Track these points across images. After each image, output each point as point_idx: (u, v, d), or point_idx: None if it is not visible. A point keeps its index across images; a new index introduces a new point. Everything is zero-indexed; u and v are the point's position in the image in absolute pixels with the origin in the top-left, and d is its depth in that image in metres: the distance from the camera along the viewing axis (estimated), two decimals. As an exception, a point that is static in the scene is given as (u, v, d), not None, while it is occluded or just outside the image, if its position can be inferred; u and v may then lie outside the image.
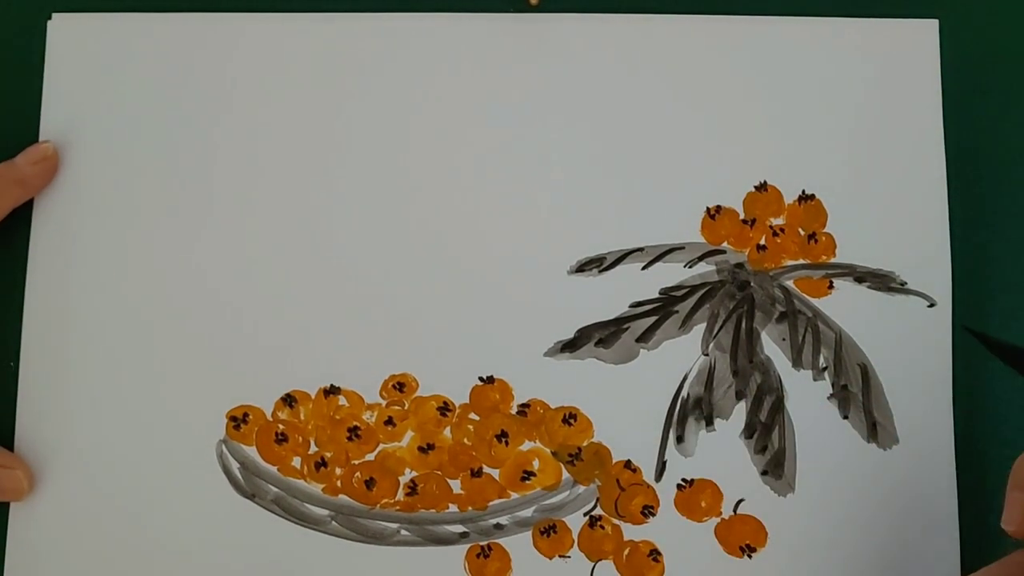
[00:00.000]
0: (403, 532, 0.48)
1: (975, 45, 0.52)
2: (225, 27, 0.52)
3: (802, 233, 0.50)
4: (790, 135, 0.51)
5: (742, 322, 0.50)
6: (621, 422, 0.49)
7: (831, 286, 0.50)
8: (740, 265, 0.50)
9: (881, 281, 0.50)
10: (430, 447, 0.49)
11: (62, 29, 0.52)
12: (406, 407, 0.49)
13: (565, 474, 0.49)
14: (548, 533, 0.48)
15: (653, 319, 0.50)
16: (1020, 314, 0.50)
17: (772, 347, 0.50)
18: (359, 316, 0.50)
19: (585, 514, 0.49)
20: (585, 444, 0.49)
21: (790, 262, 0.50)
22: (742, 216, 0.51)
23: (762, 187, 0.51)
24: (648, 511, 0.48)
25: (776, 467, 0.49)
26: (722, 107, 0.51)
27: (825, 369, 0.49)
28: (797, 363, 0.49)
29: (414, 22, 0.52)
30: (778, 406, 0.49)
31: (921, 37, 0.52)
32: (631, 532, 0.48)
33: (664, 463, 0.49)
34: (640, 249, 0.50)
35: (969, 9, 0.52)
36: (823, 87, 0.51)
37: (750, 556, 0.48)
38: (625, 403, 0.49)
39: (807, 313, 0.50)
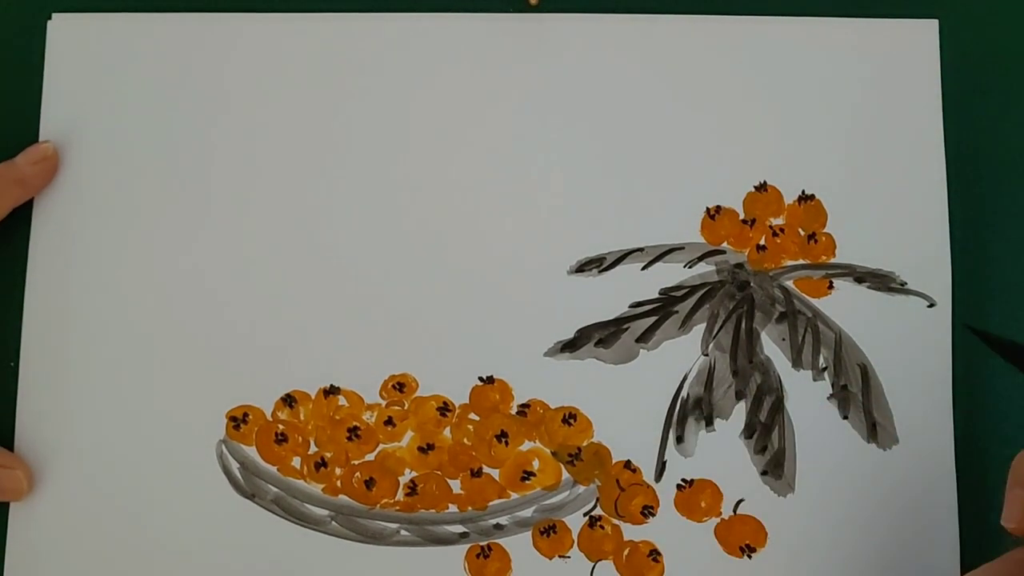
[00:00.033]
0: (403, 532, 0.48)
1: (975, 45, 0.52)
2: (225, 27, 0.52)
3: (802, 233, 0.50)
4: (790, 135, 0.51)
5: (742, 322, 0.50)
6: (621, 422, 0.49)
7: (831, 286, 0.50)
8: (740, 265, 0.50)
9: (881, 281, 0.50)
10: (430, 447, 0.49)
11: (62, 29, 0.52)
12: (406, 407, 0.49)
13: (565, 474, 0.49)
14: (548, 533, 0.48)
15: (653, 319, 0.50)
16: (1020, 314, 0.50)
17: (772, 347, 0.50)
18: (359, 316, 0.50)
19: (585, 514, 0.49)
20: (585, 444, 0.49)
21: (790, 262, 0.50)
22: (742, 216, 0.51)
23: (762, 187, 0.51)
24: (648, 511, 0.48)
25: (776, 467, 0.49)
26: (722, 107, 0.51)
27: (825, 369, 0.49)
28: (797, 363, 0.49)
29: (414, 22, 0.52)
30: (778, 406, 0.49)
31: (921, 37, 0.52)
32: (631, 532, 0.48)
33: (664, 463, 0.49)
34: (640, 249, 0.50)
35: (969, 9, 0.52)
36: (823, 87, 0.51)
37: (750, 556, 0.48)
38: (625, 403, 0.49)
39: (807, 313, 0.50)
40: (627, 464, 0.49)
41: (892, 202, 0.50)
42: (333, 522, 0.48)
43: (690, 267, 0.50)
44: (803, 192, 0.51)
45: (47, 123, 0.51)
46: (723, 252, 0.50)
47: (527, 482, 0.49)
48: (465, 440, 0.49)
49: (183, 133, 0.51)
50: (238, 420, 0.49)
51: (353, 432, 0.49)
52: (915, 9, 0.52)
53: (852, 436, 0.49)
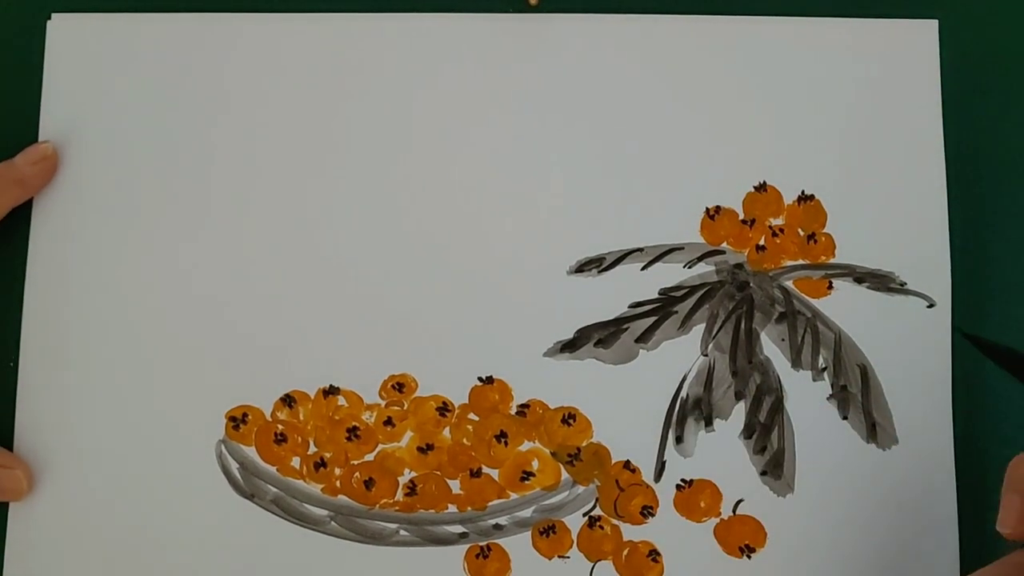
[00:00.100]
0: (402, 532, 0.48)
1: (975, 45, 0.52)
2: (224, 27, 0.52)
3: (801, 233, 0.50)
4: (789, 135, 0.51)
5: (741, 322, 0.50)
6: (620, 422, 0.49)
7: (830, 286, 0.50)
8: (739, 265, 0.50)
9: (881, 281, 0.50)
10: (429, 447, 0.49)
11: (62, 29, 0.52)
12: (405, 407, 0.49)
13: (564, 474, 0.49)
14: (547, 533, 0.48)
15: (652, 319, 0.50)
16: (1020, 314, 0.50)
17: (771, 347, 0.50)
18: (358, 316, 0.50)
19: (584, 514, 0.49)
20: (584, 444, 0.49)
21: (789, 262, 0.50)
22: (741, 216, 0.51)
23: (761, 187, 0.51)
24: (647, 511, 0.48)
25: (775, 467, 0.49)
26: (721, 107, 0.51)
27: (824, 369, 0.49)
28: (796, 363, 0.49)
29: (414, 22, 0.52)
30: (777, 406, 0.49)
31: (921, 37, 0.52)
32: (630, 532, 0.48)
33: (663, 463, 0.49)
34: (640, 249, 0.50)
35: (969, 9, 0.52)
36: (823, 87, 0.51)
37: (749, 556, 0.48)
38: (624, 403, 0.49)
39: (806, 313, 0.50)
40: (626, 464, 0.49)
41: (892, 202, 0.50)
42: (332, 522, 0.48)
43: (690, 267, 0.50)
44: (803, 192, 0.51)
45: (47, 123, 0.51)
46: (723, 252, 0.50)
47: (526, 482, 0.49)
48: (464, 440, 0.49)
49: (183, 133, 0.51)
50: (237, 420, 0.49)
51: (352, 432, 0.49)
52: (915, 9, 0.52)
53: (852, 436, 0.49)
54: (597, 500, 0.49)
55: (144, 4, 0.52)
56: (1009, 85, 0.52)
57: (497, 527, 0.48)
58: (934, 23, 0.52)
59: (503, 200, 0.51)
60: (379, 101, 0.51)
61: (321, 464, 0.49)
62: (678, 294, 0.50)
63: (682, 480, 0.49)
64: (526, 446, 0.49)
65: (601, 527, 0.48)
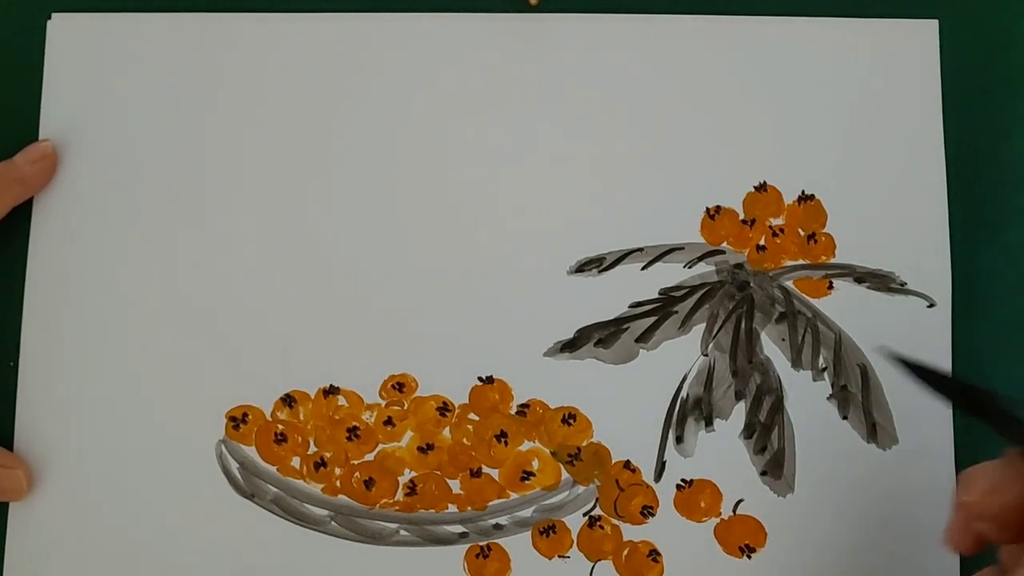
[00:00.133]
0: (402, 532, 0.48)
1: (975, 45, 0.52)
2: (225, 27, 0.52)
3: (802, 233, 0.50)
4: (790, 135, 0.51)
5: (741, 322, 0.50)
6: (620, 422, 0.49)
7: (831, 286, 0.50)
8: (740, 265, 0.50)
9: (881, 281, 0.50)
10: (429, 447, 0.49)
11: (62, 29, 0.52)
12: (405, 407, 0.49)
13: (564, 474, 0.49)
14: (547, 533, 0.48)
15: (653, 319, 0.50)
16: (1020, 314, 0.50)
17: (772, 347, 0.50)
18: (359, 316, 0.50)
19: (584, 514, 0.49)
20: (584, 444, 0.49)
21: (790, 262, 0.50)
22: (742, 216, 0.51)
23: (762, 187, 0.51)
24: (647, 511, 0.48)
25: (775, 467, 0.49)
26: (722, 107, 0.51)
27: (825, 369, 0.49)
28: (796, 363, 0.49)
29: (414, 22, 0.52)
30: (777, 406, 0.49)
31: (921, 37, 0.52)
32: (630, 532, 0.48)
33: (663, 463, 0.49)
34: (640, 249, 0.50)
35: (969, 9, 0.52)
36: (823, 87, 0.51)
37: (749, 556, 0.48)
38: (625, 403, 0.49)
39: (807, 313, 0.50)
40: (627, 464, 0.49)
41: (892, 202, 0.50)
42: (333, 522, 0.48)
43: (690, 267, 0.50)
44: (803, 192, 0.51)
45: (47, 123, 0.51)
46: (723, 252, 0.50)
47: (527, 482, 0.49)
48: (465, 440, 0.49)
49: (183, 133, 0.51)
50: (237, 420, 0.49)
51: (353, 432, 0.49)
52: (915, 9, 0.52)
53: (852, 436, 0.49)
54: (597, 500, 0.49)
55: (144, 4, 0.52)
56: (1009, 85, 0.52)
57: (497, 527, 0.48)
58: (934, 23, 0.52)
59: (503, 200, 0.51)
60: (379, 101, 0.51)
61: (321, 464, 0.49)
62: (678, 294, 0.50)
63: (682, 480, 0.49)
64: (526, 446, 0.49)
65: (601, 527, 0.48)
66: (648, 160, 0.51)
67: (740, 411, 0.49)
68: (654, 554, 0.48)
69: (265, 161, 0.51)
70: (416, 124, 0.51)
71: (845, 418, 0.49)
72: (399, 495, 0.49)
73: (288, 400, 0.49)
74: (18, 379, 0.49)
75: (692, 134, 0.51)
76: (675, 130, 0.51)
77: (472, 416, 0.49)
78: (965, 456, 0.49)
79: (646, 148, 0.51)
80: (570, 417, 0.49)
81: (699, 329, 0.50)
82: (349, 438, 0.49)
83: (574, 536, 0.48)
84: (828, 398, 0.49)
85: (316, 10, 0.52)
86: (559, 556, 0.48)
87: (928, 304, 0.50)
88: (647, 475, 0.49)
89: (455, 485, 0.49)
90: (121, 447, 0.49)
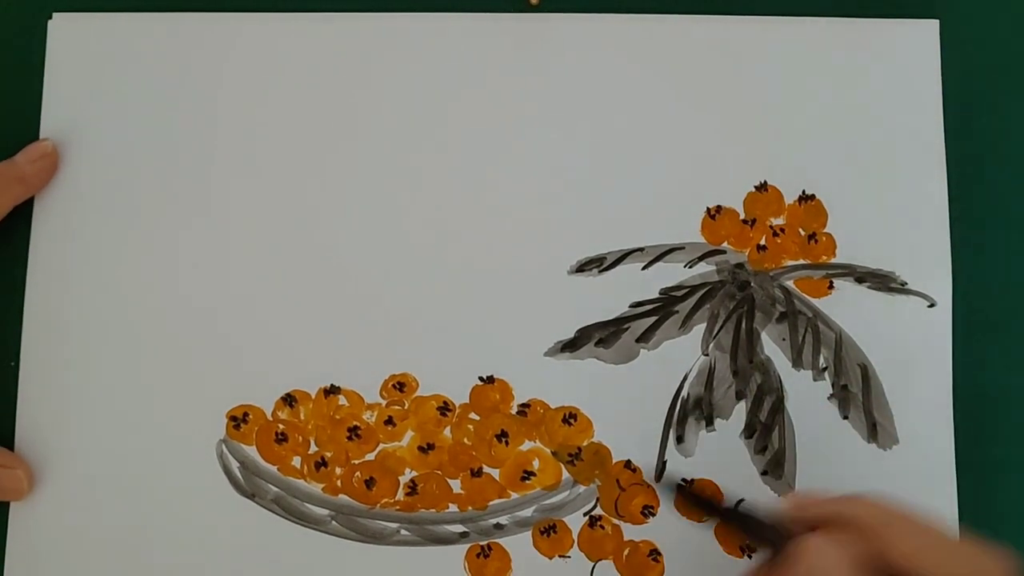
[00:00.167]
0: (403, 532, 0.48)
1: (975, 45, 0.52)
2: (224, 27, 0.52)
3: (802, 233, 0.50)
4: (790, 135, 0.51)
5: (742, 322, 0.50)
6: (621, 422, 0.49)
7: (831, 286, 0.50)
8: (740, 265, 0.50)
9: (881, 281, 0.50)
10: (430, 447, 0.49)
11: (62, 29, 0.52)
12: (406, 407, 0.49)
13: (565, 474, 0.49)
14: (548, 533, 0.48)
15: (653, 319, 0.50)
16: (1020, 314, 0.50)
17: (772, 347, 0.50)
18: (359, 316, 0.50)
19: (585, 514, 0.49)
20: (585, 444, 0.49)
21: (790, 262, 0.50)
22: (742, 216, 0.51)
23: (762, 187, 0.51)
24: (648, 511, 0.48)
25: (776, 467, 0.49)
26: (722, 107, 0.51)
27: (825, 369, 0.49)
28: (797, 363, 0.49)
29: (414, 22, 0.52)
30: (778, 406, 0.49)
31: (921, 37, 0.52)
32: (631, 532, 0.48)
33: (664, 463, 0.49)
34: (640, 249, 0.50)
35: (969, 9, 0.52)
36: (823, 87, 0.51)
37: (750, 556, 0.48)
38: (625, 403, 0.49)
39: (807, 313, 0.50)
40: (627, 464, 0.49)
41: (892, 202, 0.50)
42: (333, 522, 0.48)
43: (690, 267, 0.50)
44: (803, 192, 0.51)
45: (47, 123, 0.51)
46: (723, 252, 0.50)
47: (527, 482, 0.49)
48: (465, 440, 0.49)
49: (183, 133, 0.51)
50: (238, 420, 0.49)
51: (353, 432, 0.49)
52: (915, 9, 0.52)
53: (852, 436, 0.49)
54: (598, 500, 0.49)
55: (144, 4, 0.52)
56: (1009, 85, 0.52)
57: (498, 527, 0.48)
58: (934, 23, 0.52)
59: (504, 200, 0.51)
60: (379, 101, 0.51)
61: (322, 463, 0.49)
62: (679, 294, 0.50)
63: (683, 480, 0.49)
64: (527, 446, 0.49)
65: (602, 527, 0.48)
66: (648, 160, 0.51)
67: (741, 411, 0.49)
68: (655, 554, 0.48)
69: (265, 161, 0.51)
70: (415, 124, 0.51)
71: (846, 418, 0.49)
72: (400, 495, 0.49)
73: (289, 400, 0.49)
74: (19, 379, 0.49)
75: (692, 134, 0.51)
76: (675, 130, 0.51)
77: (473, 416, 0.49)
78: (965, 455, 0.49)
79: (646, 148, 0.51)
80: (571, 417, 0.49)
81: (700, 329, 0.50)
82: (350, 438, 0.49)
83: (575, 536, 0.48)
84: (828, 398, 0.49)
85: (316, 10, 0.52)
86: (560, 556, 0.48)
87: (928, 304, 0.50)
88: (648, 475, 0.49)
89: (456, 485, 0.49)
90: (121, 447, 0.49)
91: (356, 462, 0.49)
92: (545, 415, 0.49)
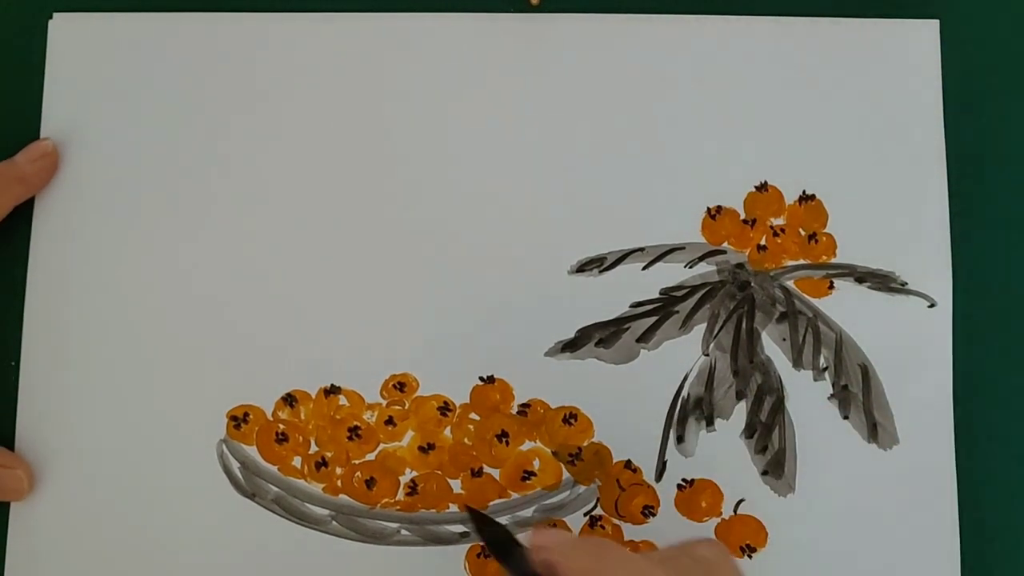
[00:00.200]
0: (403, 532, 0.48)
1: (975, 45, 0.52)
2: (224, 27, 0.52)
3: (803, 233, 0.50)
4: (790, 135, 0.51)
5: (742, 322, 0.50)
6: (621, 422, 0.49)
7: (831, 286, 0.50)
8: (740, 265, 0.50)
9: (881, 281, 0.50)
10: (430, 447, 0.49)
11: (63, 29, 0.52)
12: (406, 407, 0.49)
13: (565, 474, 0.49)
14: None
15: (653, 319, 0.50)
16: (1020, 314, 0.50)
17: (772, 347, 0.50)
18: (360, 316, 0.50)
19: (585, 514, 0.49)
20: (585, 444, 0.49)
21: (791, 262, 0.50)
22: (743, 216, 0.51)
23: (763, 187, 0.51)
24: (648, 511, 0.48)
25: (776, 467, 0.49)
26: (722, 107, 0.51)
27: (825, 369, 0.49)
28: (797, 363, 0.49)
29: (414, 22, 0.52)
30: (778, 406, 0.49)
31: (921, 37, 0.52)
32: (631, 532, 0.48)
33: (664, 463, 0.49)
34: (640, 249, 0.50)
35: (969, 9, 0.52)
36: (823, 87, 0.51)
37: (750, 556, 0.48)
38: (625, 403, 0.49)
39: (807, 313, 0.50)
40: (627, 464, 0.49)
41: (892, 202, 0.50)
42: (334, 522, 0.48)
43: (691, 267, 0.50)
44: (804, 192, 0.51)
45: (48, 123, 0.51)
46: (724, 252, 0.50)
47: (527, 482, 0.49)
48: (466, 440, 0.49)
49: (183, 132, 0.51)
50: (239, 420, 0.49)
51: (354, 432, 0.49)
52: (915, 9, 0.52)
53: (852, 436, 0.49)
54: (598, 500, 0.49)
55: (145, 4, 0.52)
56: (1009, 85, 0.52)
57: (498, 527, 0.48)
58: (934, 23, 0.52)
59: (504, 200, 0.51)
60: (379, 101, 0.51)
61: (322, 463, 0.49)
62: (679, 294, 0.50)
63: (683, 480, 0.49)
64: (527, 446, 0.49)
65: (602, 527, 0.48)
66: (649, 160, 0.51)
67: (741, 411, 0.49)
68: (655, 554, 0.48)
69: (265, 161, 0.51)
70: (416, 124, 0.51)
71: (846, 418, 0.49)
72: (400, 495, 0.49)
73: (289, 399, 0.49)
74: (19, 379, 0.49)
75: (693, 134, 0.51)
76: (676, 130, 0.51)
77: (473, 416, 0.49)
78: (965, 455, 0.49)
79: (647, 148, 0.51)
80: (571, 417, 0.49)
81: (700, 329, 0.50)
82: (350, 438, 0.49)
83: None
84: (829, 398, 0.49)
85: (316, 10, 0.52)
86: (560, 556, 0.48)
87: (928, 304, 0.50)
88: (648, 475, 0.49)
89: (456, 485, 0.49)
90: (122, 447, 0.49)
91: (356, 462, 0.49)
92: (545, 415, 0.49)
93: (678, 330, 0.50)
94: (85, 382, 0.49)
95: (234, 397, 0.49)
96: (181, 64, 0.52)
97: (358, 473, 0.49)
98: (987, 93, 0.52)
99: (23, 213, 0.50)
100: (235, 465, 0.49)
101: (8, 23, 0.52)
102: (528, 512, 0.48)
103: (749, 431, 0.49)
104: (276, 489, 0.49)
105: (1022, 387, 0.50)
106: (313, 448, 0.49)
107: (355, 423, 0.49)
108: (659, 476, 0.49)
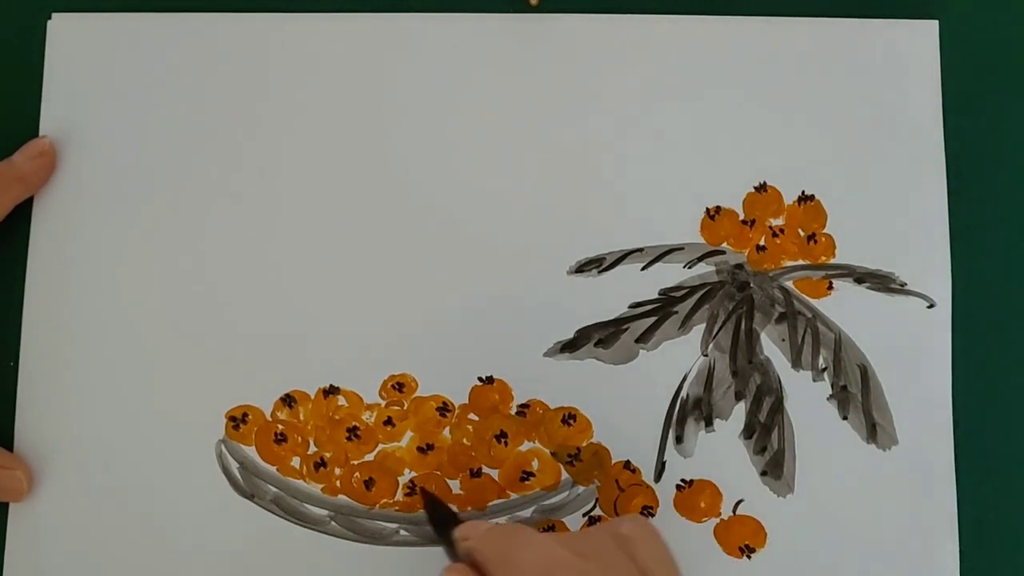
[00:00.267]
0: (402, 532, 0.48)
1: (975, 45, 0.52)
2: (224, 27, 0.52)
3: (802, 234, 0.50)
4: (790, 136, 0.51)
5: (741, 323, 0.50)
6: (620, 423, 0.49)
7: (831, 287, 0.50)
8: (740, 266, 0.50)
9: (881, 282, 0.50)
10: (429, 447, 0.49)
11: (62, 29, 0.52)
12: (405, 407, 0.49)
13: (564, 474, 0.49)
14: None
15: (652, 320, 0.50)
16: (1020, 314, 0.50)
17: (771, 348, 0.50)
18: (359, 316, 0.50)
19: (584, 515, 0.49)
20: (584, 444, 0.49)
21: (790, 263, 0.50)
22: (742, 217, 0.51)
23: (762, 188, 0.51)
24: (648, 511, 0.48)
25: (775, 468, 0.49)
26: (722, 107, 0.51)
27: (824, 370, 0.49)
28: (796, 364, 0.49)
29: (414, 22, 0.52)
30: (777, 407, 0.49)
31: (921, 37, 0.52)
32: (630, 532, 0.48)
33: (663, 464, 0.49)
34: (640, 249, 0.50)
35: (969, 9, 0.52)
36: (823, 87, 0.51)
37: (749, 556, 0.48)
38: (624, 403, 0.49)
39: (806, 314, 0.50)
40: (626, 464, 0.49)
41: (892, 202, 0.50)
42: (332, 522, 0.48)
43: (690, 267, 0.50)
44: (803, 193, 0.51)
45: (47, 123, 0.51)
46: (723, 252, 0.50)
47: (526, 482, 0.49)
48: (464, 440, 0.49)
49: (183, 132, 0.51)
50: (237, 420, 0.49)
51: (353, 432, 0.49)
52: (915, 9, 0.52)
53: (852, 437, 0.49)
54: (597, 500, 0.49)
55: (144, 4, 0.52)
56: (1009, 85, 0.52)
57: (497, 527, 0.48)
58: (934, 23, 0.52)
59: (503, 200, 0.51)
60: (379, 101, 0.51)
61: (321, 464, 0.49)
62: (678, 294, 0.50)
63: (682, 480, 0.49)
64: (526, 446, 0.49)
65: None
66: (648, 160, 0.51)
67: (740, 411, 0.49)
68: (654, 554, 0.48)
69: (263, 161, 0.51)
70: (415, 124, 0.51)
71: (845, 418, 0.49)
72: (399, 495, 0.49)
73: (288, 400, 0.49)
74: (18, 379, 0.49)
75: (692, 134, 0.51)
76: (675, 130, 0.51)
77: (472, 416, 0.49)
78: (965, 455, 0.49)
79: (646, 148, 0.51)
80: (570, 417, 0.49)
81: (699, 329, 0.50)
82: (349, 438, 0.49)
83: (569, 532, 0.48)
84: (828, 398, 0.49)
85: (316, 10, 0.52)
86: (559, 556, 0.48)
87: (928, 304, 0.50)
88: (647, 475, 0.49)
89: (455, 485, 0.49)
90: (121, 447, 0.49)
91: (355, 462, 0.49)
92: (544, 415, 0.49)
93: (677, 330, 0.50)
94: (84, 382, 0.49)
95: (233, 397, 0.49)
96: (180, 64, 0.52)
97: (357, 473, 0.49)
98: (987, 93, 0.52)
99: (22, 213, 0.50)
100: (234, 465, 0.49)
101: (7, 23, 0.52)
102: (527, 512, 0.48)
103: (748, 431, 0.49)
104: (275, 489, 0.49)
105: (1022, 387, 0.50)
106: (312, 448, 0.49)
107: (354, 423, 0.49)
108: (658, 476, 0.49)
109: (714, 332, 0.50)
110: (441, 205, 0.51)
